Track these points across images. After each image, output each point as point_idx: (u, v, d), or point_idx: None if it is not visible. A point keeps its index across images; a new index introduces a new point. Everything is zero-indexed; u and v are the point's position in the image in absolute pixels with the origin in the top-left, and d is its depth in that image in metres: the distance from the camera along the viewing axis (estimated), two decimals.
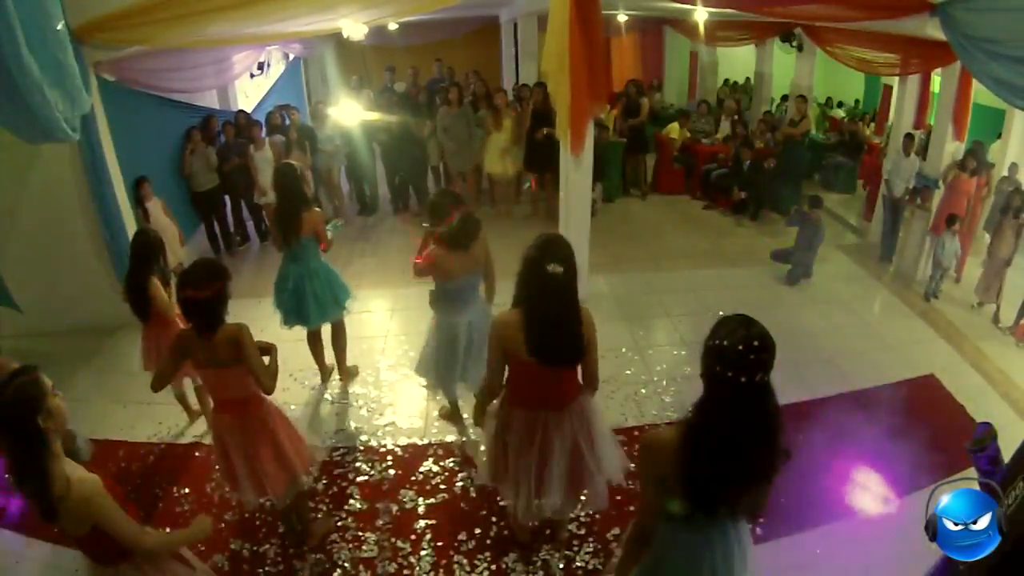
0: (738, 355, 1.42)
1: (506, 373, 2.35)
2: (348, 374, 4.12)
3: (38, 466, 1.62)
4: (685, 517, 1.62)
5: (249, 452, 2.43)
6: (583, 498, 2.62)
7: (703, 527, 1.66)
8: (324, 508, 3.13)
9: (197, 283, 2.23)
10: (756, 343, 1.43)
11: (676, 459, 1.54)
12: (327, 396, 4.00)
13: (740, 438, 1.50)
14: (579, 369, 2.34)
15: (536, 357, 2.19)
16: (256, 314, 4.78)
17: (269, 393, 2.41)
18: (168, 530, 2.79)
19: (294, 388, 4.05)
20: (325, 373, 4.11)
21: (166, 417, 3.82)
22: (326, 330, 3.97)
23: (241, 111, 6.85)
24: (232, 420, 2.43)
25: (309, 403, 3.94)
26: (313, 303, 3.68)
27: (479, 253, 3.05)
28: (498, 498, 3.06)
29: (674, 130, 8.10)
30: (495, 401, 2.47)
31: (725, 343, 1.44)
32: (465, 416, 3.68)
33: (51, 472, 1.63)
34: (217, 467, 2.77)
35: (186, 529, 2.03)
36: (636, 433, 3.56)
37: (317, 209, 3.70)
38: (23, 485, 1.64)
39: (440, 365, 3.27)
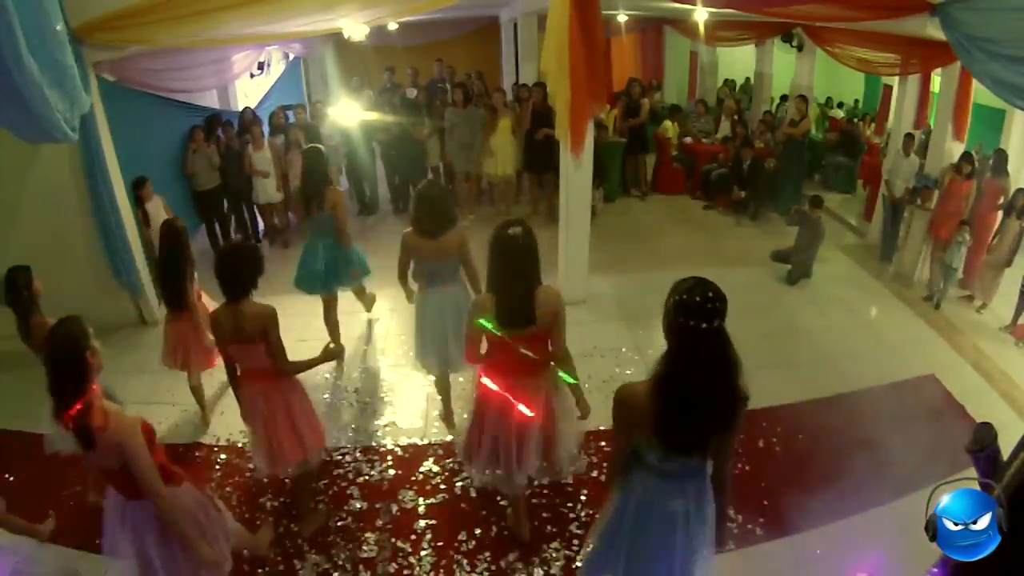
0: (698, 305, 1.65)
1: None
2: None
3: (82, 397, 1.87)
4: (660, 464, 1.83)
5: (268, 420, 2.62)
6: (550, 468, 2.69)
7: (677, 475, 1.87)
8: (324, 507, 3.13)
9: (235, 252, 2.56)
10: (711, 294, 1.66)
11: (648, 408, 1.73)
12: (326, 396, 4.00)
13: (705, 380, 1.69)
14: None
15: (503, 323, 2.35)
16: None
17: (283, 374, 2.59)
18: None
19: None
20: (339, 343, 4.22)
21: (166, 417, 3.82)
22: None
23: (247, 108, 6.86)
24: (258, 388, 2.62)
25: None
26: (344, 266, 4.14)
27: (450, 246, 3.18)
28: (498, 498, 3.07)
29: (668, 128, 8.08)
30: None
31: (686, 297, 1.66)
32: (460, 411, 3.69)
33: (94, 404, 1.89)
34: (248, 435, 2.87)
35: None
36: None
37: (337, 188, 4.14)
38: (68, 414, 1.87)
39: (417, 338, 3.43)
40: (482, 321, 2.36)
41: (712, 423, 1.75)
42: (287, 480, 3.03)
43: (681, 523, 1.91)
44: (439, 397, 3.66)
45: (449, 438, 3.59)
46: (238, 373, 2.70)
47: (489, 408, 2.52)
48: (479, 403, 2.58)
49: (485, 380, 2.52)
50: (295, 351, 2.64)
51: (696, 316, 1.65)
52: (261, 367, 2.56)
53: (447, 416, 3.67)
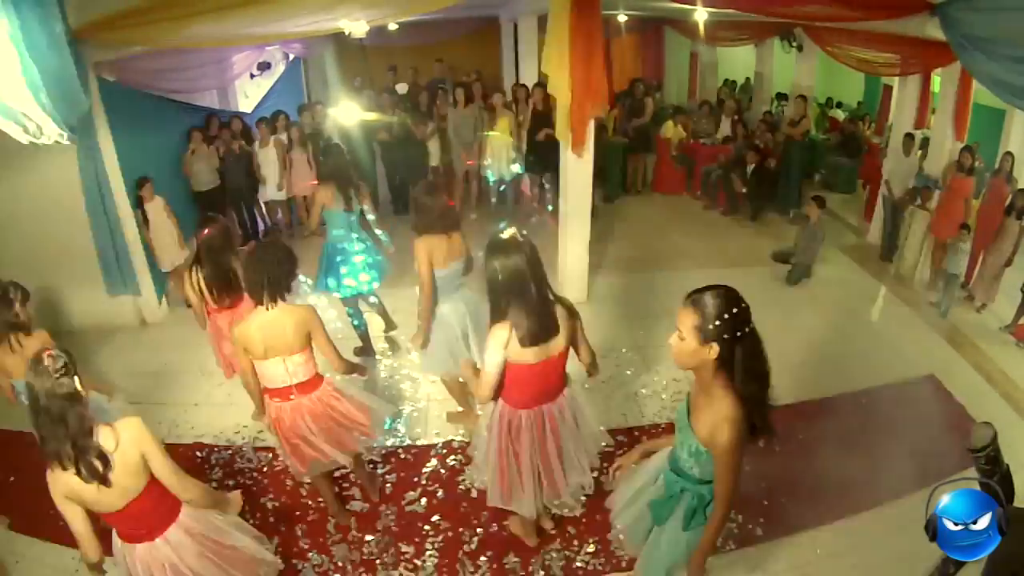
0: (745, 310, 1.88)
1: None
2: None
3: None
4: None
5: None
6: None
7: None
8: (322, 506, 3.14)
9: None
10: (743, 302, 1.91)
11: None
12: None
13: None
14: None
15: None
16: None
17: None
18: None
19: None
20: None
21: (166, 417, 3.82)
22: None
23: (237, 114, 6.87)
24: None
25: None
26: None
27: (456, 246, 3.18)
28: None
29: (669, 129, 8.05)
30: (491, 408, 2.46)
31: (743, 306, 1.89)
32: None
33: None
34: None
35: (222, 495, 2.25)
36: (636, 433, 3.56)
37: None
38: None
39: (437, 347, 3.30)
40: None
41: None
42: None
43: None
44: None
45: (450, 438, 3.60)
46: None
47: (520, 435, 2.41)
48: (503, 433, 2.43)
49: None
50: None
51: (749, 319, 1.87)
52: None
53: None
